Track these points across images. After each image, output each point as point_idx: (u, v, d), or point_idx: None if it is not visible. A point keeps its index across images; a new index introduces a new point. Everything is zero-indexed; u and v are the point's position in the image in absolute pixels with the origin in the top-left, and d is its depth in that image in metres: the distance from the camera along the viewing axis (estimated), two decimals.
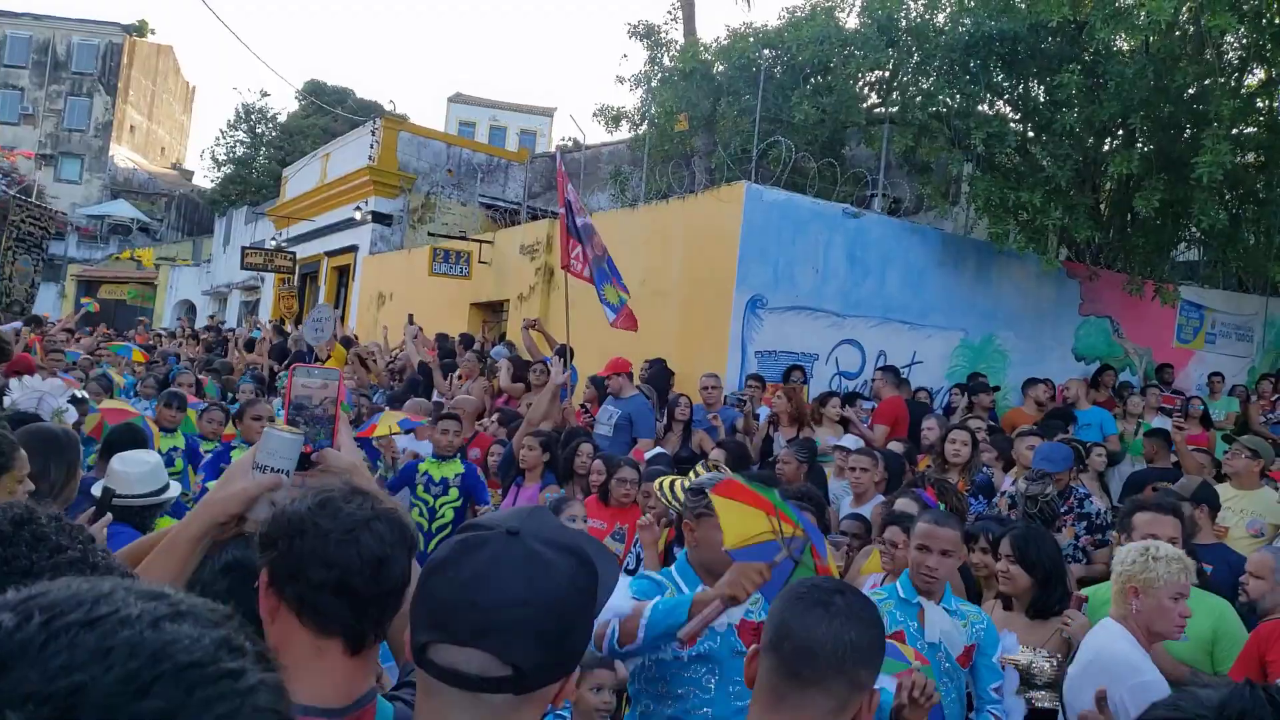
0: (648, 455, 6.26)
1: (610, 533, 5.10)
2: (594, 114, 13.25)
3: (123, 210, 38.18)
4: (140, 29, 43.04)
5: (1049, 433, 7.01)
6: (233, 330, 16.08)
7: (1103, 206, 10.91)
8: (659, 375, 8.30)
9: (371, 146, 16.18)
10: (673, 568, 2.76)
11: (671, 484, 2.94)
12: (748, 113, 10.34)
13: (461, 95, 49.22)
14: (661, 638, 2.37)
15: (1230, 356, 11.89)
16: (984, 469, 6.18)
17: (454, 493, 5.86)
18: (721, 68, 10.95)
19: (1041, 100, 10.08)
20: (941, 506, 4.57)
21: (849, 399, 7.65)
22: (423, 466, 5.94)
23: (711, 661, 2.57)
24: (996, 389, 8.81)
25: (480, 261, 12.91)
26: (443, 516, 5.73)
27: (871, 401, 8.35)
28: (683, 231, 9.62)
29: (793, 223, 9.23)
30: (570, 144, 21.44)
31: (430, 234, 14.24)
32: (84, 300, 18.40)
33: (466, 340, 11.12)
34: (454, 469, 5.92)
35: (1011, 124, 10.28)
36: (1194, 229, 10.09)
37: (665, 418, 7.37)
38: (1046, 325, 10.81)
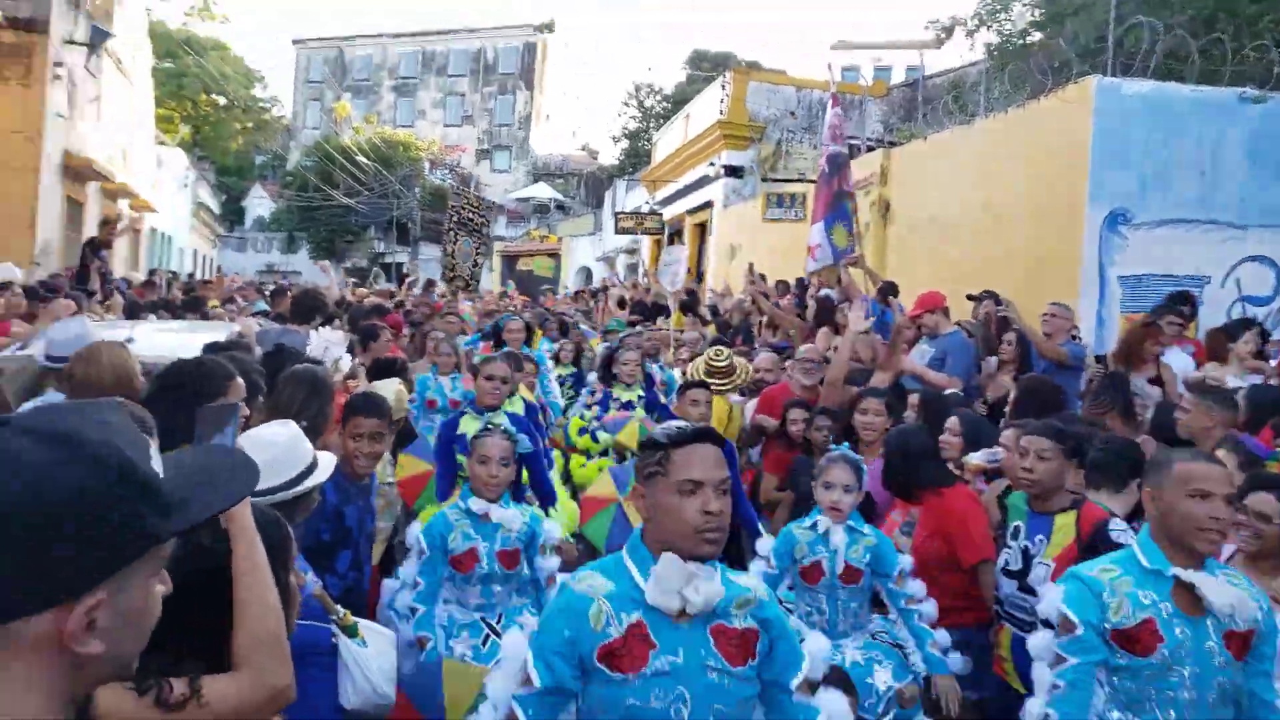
0: (946, 394, 5.57)
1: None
2: (925, 26, 12.01)
3: (542, 191, 43.13)
4: (549, 26, 48.23)
5: None
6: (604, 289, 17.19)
7: None
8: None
9: (722, 100, 16.29)
10: (624, 552, 2.00)
11: None
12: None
13: (844, 42, 48.00)
14: None
15: None
16: None
17: None
18: None
19: None
20: None
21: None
22: None
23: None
24: None
25: None
26: None
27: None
28: (1024, 146, 8.38)
29: (1166, 119, 7.63)
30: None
31: (764, 179, 14.02)
32: (508, 282, 20.73)
33: (802, 285, 10.79)
34: None
35: None
36: None
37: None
38: None
